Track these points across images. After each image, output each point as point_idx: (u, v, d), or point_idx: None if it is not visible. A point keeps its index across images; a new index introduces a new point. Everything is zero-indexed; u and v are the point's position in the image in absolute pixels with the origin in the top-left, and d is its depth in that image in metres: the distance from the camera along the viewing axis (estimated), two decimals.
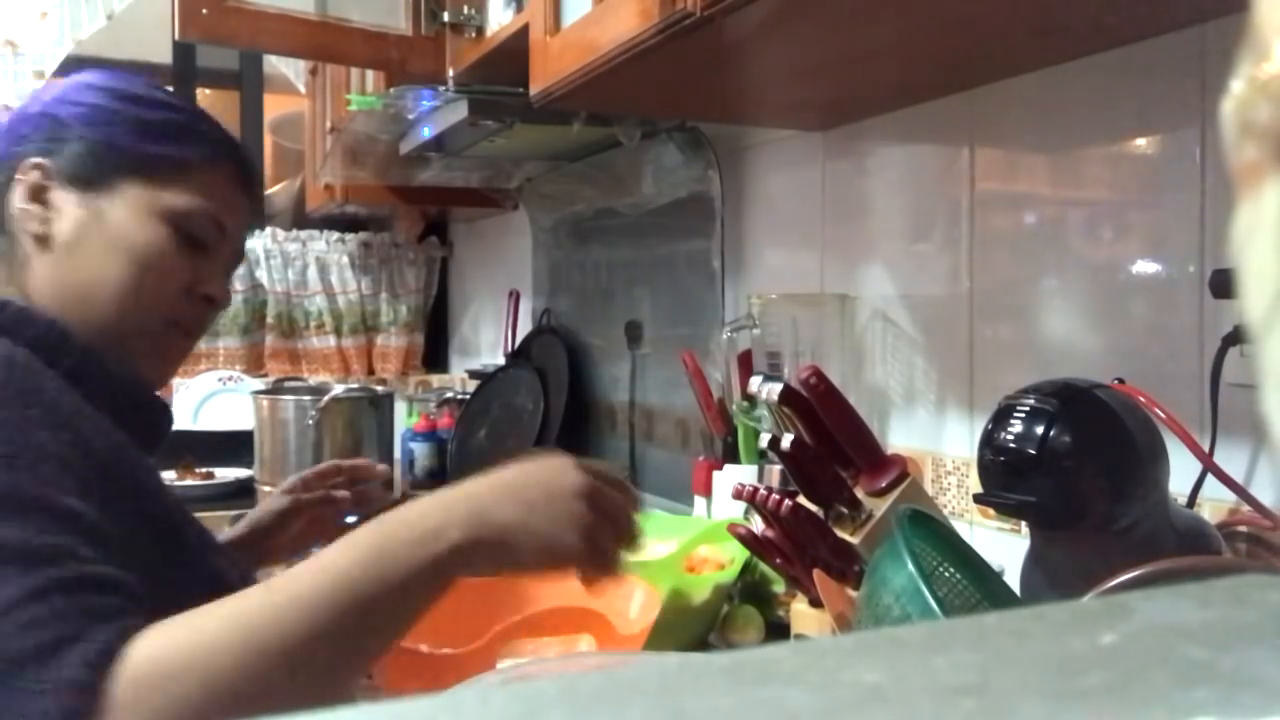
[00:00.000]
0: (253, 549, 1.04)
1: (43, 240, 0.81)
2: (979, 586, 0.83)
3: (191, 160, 0.84)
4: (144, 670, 0.57)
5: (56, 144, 0.82)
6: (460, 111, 1.54)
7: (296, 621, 0.60)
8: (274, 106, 3.16)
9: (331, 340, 2.87)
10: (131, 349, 0.82)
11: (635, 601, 0.99)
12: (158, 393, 0.87)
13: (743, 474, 1.39)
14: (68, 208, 0.81)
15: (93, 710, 0.55)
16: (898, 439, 1.30)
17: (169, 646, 0.58)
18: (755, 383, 1.03)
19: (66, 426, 0.69)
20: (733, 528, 1.03)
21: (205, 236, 0.85)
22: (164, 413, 0.88)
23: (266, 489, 2.04)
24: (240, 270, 2.76)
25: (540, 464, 0.72)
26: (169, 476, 2.15)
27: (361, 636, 0.63)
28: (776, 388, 0.96)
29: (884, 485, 0.93)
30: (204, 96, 3.19)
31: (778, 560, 0.99)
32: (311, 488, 1.10)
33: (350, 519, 1.10)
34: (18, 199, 0.81)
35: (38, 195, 0.81)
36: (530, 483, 0.69)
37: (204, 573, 0.77)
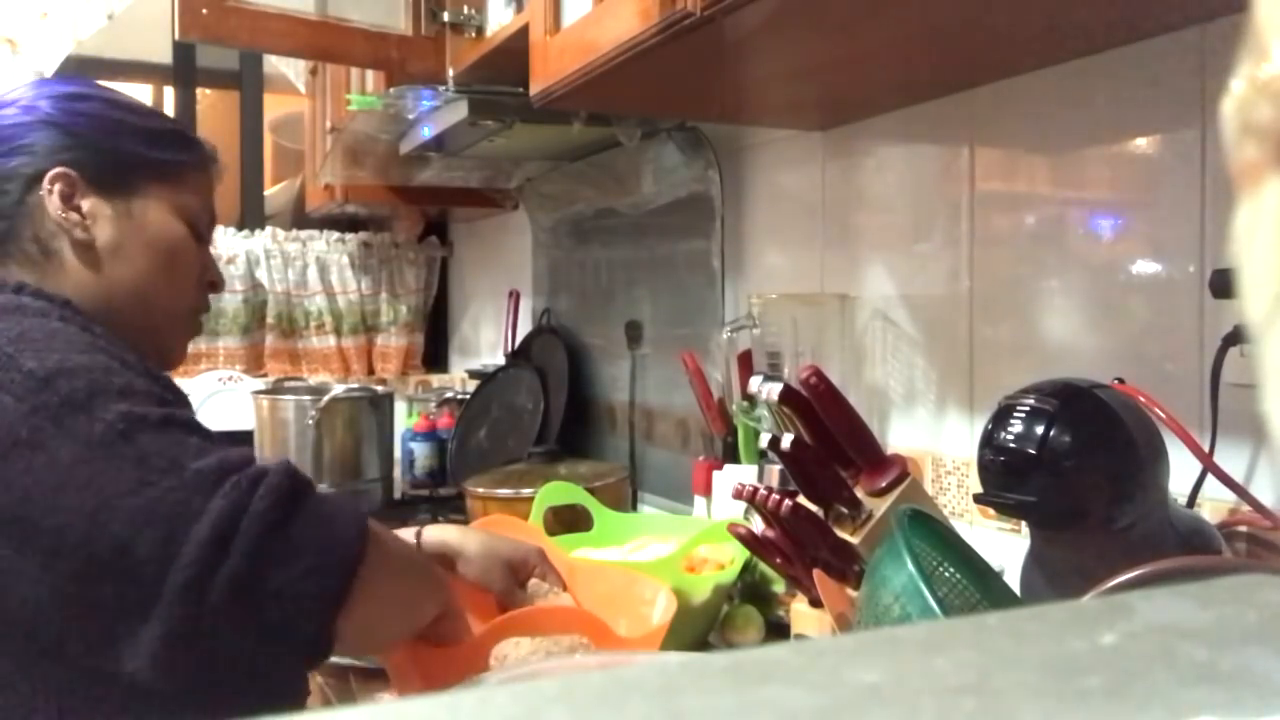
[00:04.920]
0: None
1: (86, 246, 0.87)
2: (979, 586, 0.83)
3: (191, 164, 0.95)
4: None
5: (76, 153, 0.88)
6: (460, 111, 1.54)
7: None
8: (274, 106, 3.16)
9: (331, 340, 2.87)
10: (168, 336, 0.94)
11: (658, 607, 0.99)
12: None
13: (743, 474, 1.39)
14: (103, 213, 0.88)
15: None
16: (898, 439, 1.30)
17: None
18: (755, 383, 1.03)
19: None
20: (733, 528, 1.03)
21: (204, 230, 0.96)
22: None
23: None
24: (240, 270, 2.77)
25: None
26: None
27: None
28: (776, 388, 0.96)
29: (884, 485, 0.93)
30: (204, 96, 3.19)
31: (778, 560, 0.99)
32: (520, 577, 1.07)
33: None
34: (55, 208, 0.86)
35: (70, 203, 0.87)
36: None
37: None
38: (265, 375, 2.76)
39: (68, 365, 0.72)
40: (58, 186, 0.87)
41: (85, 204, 0.87)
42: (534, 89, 1.27)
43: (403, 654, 0.87)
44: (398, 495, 2.19)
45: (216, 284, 0.99)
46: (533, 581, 1.02)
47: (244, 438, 2.22)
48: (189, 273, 0.94)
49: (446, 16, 1.63)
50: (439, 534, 1.00)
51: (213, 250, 1.00)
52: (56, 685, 0.72)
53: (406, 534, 0.98)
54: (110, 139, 0.89)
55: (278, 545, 0.68)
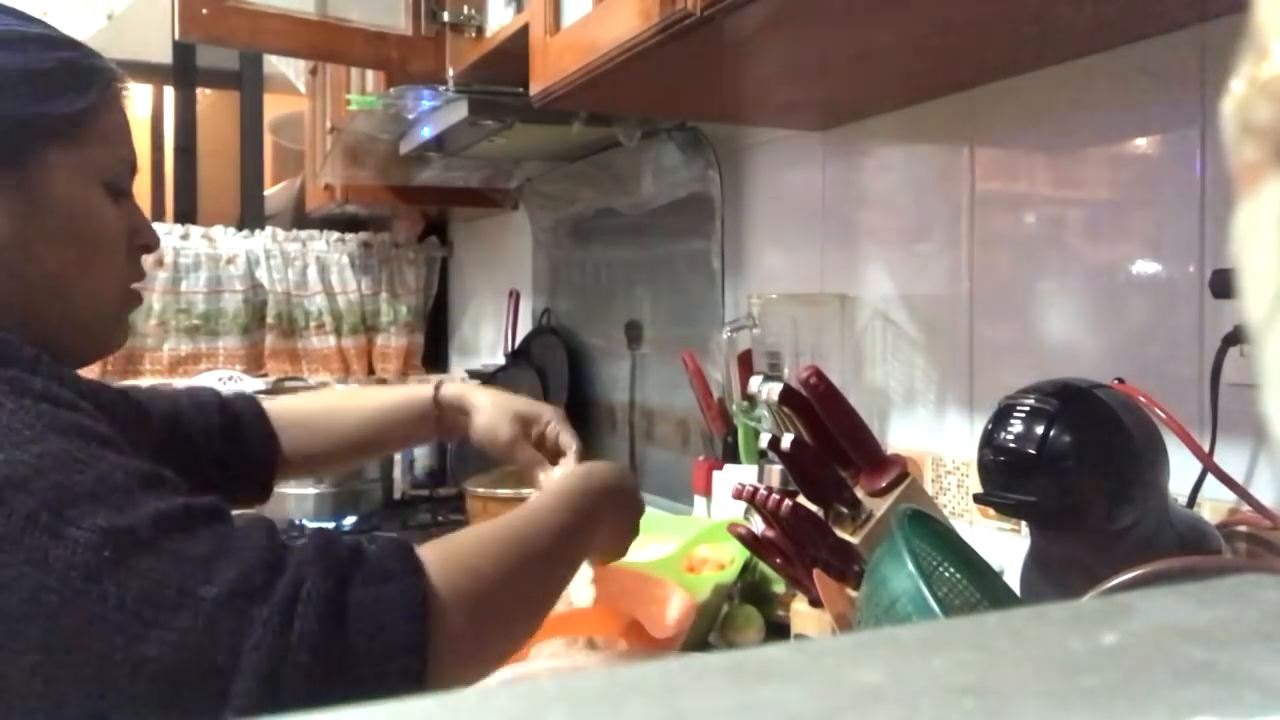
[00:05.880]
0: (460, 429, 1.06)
1: None
2: (979, 586, 0.83)
3: (96, 105, 0.73)
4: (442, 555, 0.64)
5: None
6: (460, 111, 1.54)
7: (533, 542, 0.70)
8: (274, 106, 3.16)
9: (331, 340, 2.87)
10: (99, 326, 0.75)
11: (672, 606, 0.99)
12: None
13: (743, 474, 1.39)
14: None
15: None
16: (898, 439, 1.30)
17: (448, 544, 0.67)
18: (755, 383, 1.03)
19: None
20: (733, 528, 1.03)
21: (125, 182, 0.76)
22: (134, 407, 0.86)
23: None
24: (240, 270, 2.77)
25: (618, 471, 0.87)
26: None
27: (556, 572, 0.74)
28: (776, 388, 0.96)
29: (884, 485, 0.93)
30: (204, 96, 3.19)
31: (778, 560, 0.99)
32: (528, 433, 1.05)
33: None
34: None
35: None
36: (623, 487, 0.84)
37: None
38: (265, 375, 2.75)
39: (16, 473, 0.55)
40: None
41: None
42: (534, 89, 1.27)
43: None
44: (398, 495, 2.18)
45: (150, 245, 0.79)
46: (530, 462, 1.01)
47: None
48: (115, 245, 0.75)
49: (446, 16, 1.64)
50: (456, 389, 1.04)
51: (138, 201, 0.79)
52: None
53: (426, 389, 1.02)
54: None
55: (340, 660, 0.55)
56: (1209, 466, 0.89)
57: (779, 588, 1.20)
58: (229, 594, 0.54)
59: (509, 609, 0.67)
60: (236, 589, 0.54)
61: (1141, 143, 1.01)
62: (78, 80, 0.72)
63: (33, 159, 0.69)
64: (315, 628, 0.54)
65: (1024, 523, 0.97)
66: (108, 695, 0.53)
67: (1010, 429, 0.76)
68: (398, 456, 2.30)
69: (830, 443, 0.94)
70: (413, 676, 0.57)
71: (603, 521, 0.80)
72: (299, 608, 0.55)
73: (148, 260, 0.83)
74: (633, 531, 0.87)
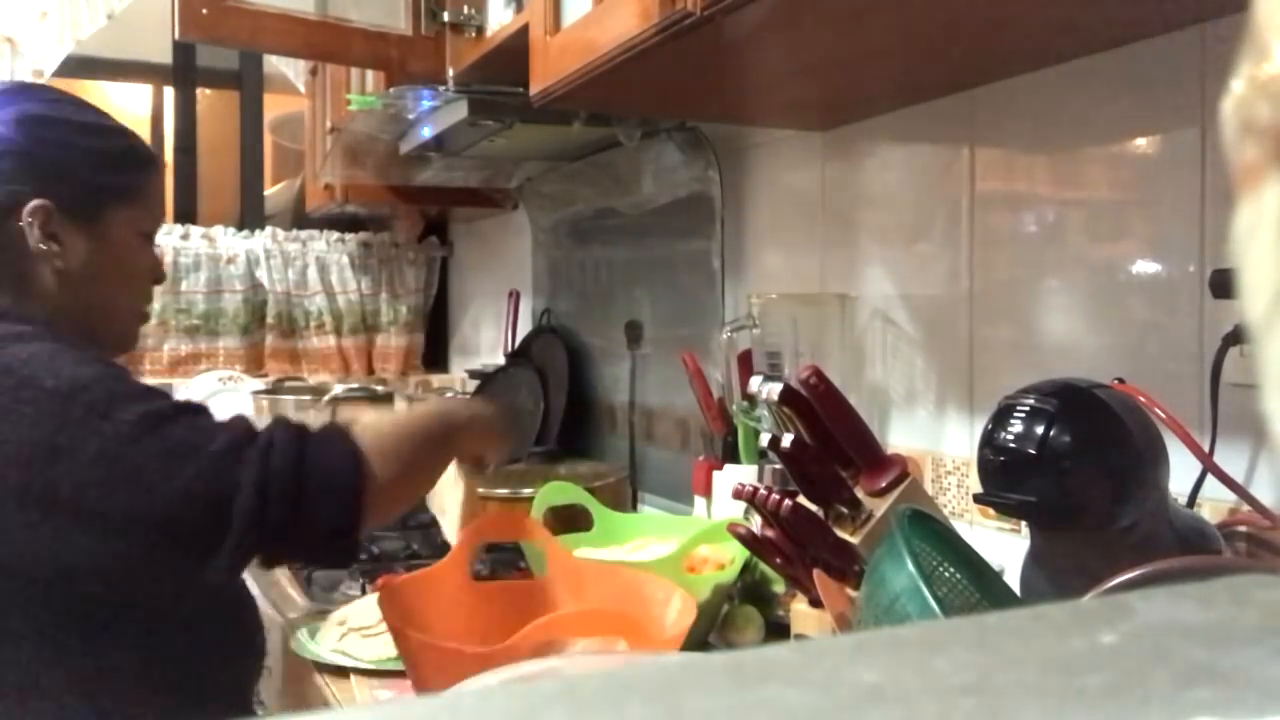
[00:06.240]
0: None
1: (63, 274, 0.98)
2: (979, 586, 0.83)
3: (146, 181, 1.05)
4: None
5: (49, 184, 0.96)
6: (460, 111, 1.54)
7: (418, 438, 1.00)
8: (274, 106, 3.16)
9: (331, 340, 2.87)
10: (126, 335, 1.07)
11: (672, 606, 0.99)
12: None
13: (743, 474, 1.39)
14: (77, 242, 0.98)
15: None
16: (898, 439, 1.30)
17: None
18: (755, 383, 1.03)
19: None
20: (733, 528, 1.03)
21: (154, 232, 1.08)
22: None
23: None
24: (240, 270, 2.77)
25: (470, 409, 1.14)
26: None
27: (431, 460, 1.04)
28: (776, 388, 0.96)
29: (884, 485, 0.93)
30: (204, 96, 3.19)
31: (778, 560, 0.99)
32: None
33: None
34: (35, 240, 0.96)
35: (48, 234, 0.97)
36: (474, 420, 1.09)
37: None
38: (265, 375, 2.75)
39: (81, 380, 0.86)
40: (38, 219, 0.96)
41: (62, 234, 0.97)
42: (534, 89, 1.27)
43: (431, 659, 0.88)
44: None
45: (160, 278, 1.11)
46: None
47: None
48: (144, 277, 1.07)
49: (446, 16, 1.63)
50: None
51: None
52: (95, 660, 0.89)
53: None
54: (82, 170, 0.99)
55: (302, 485, 0.87)
56: (1209, 466, 0.89)
57: (779, 588, 1.20)
58: (226, 448, 0.86)
59: (406, 474, 0.97)
60: (231, 443, 0.86)
61: (1141, 143, 1.01)
62: (135, 160, 1.04)
63: (101, 214, 1.00)
64: (285, 464, 0.86)
65: (1024, 523, 0.97)
66: (152, 518, 0.84)
67: (1010, 429, 0.76)
68: None
69: (830, 443, 0.94)
70: (348, 508, 0.88)
71: (458, 439, 1.05)
72: (273, 451, 0.87)
73: None
74: (492, 450, 1.12)
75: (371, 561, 1.54)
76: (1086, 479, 0.74)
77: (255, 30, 1.62)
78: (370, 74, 2.03)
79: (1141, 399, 0.85)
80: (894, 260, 1.32)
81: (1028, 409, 0.76)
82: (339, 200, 2.50)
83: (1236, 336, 0.87)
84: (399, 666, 1.07)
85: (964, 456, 1.19)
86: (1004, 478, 0.76)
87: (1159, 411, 0.86)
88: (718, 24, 0.93)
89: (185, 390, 2.56)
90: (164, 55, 2.95)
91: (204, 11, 1.54)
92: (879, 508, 0.92)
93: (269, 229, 2.84)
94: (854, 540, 0.91)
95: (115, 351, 1.05)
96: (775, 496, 0.93)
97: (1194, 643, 0.20)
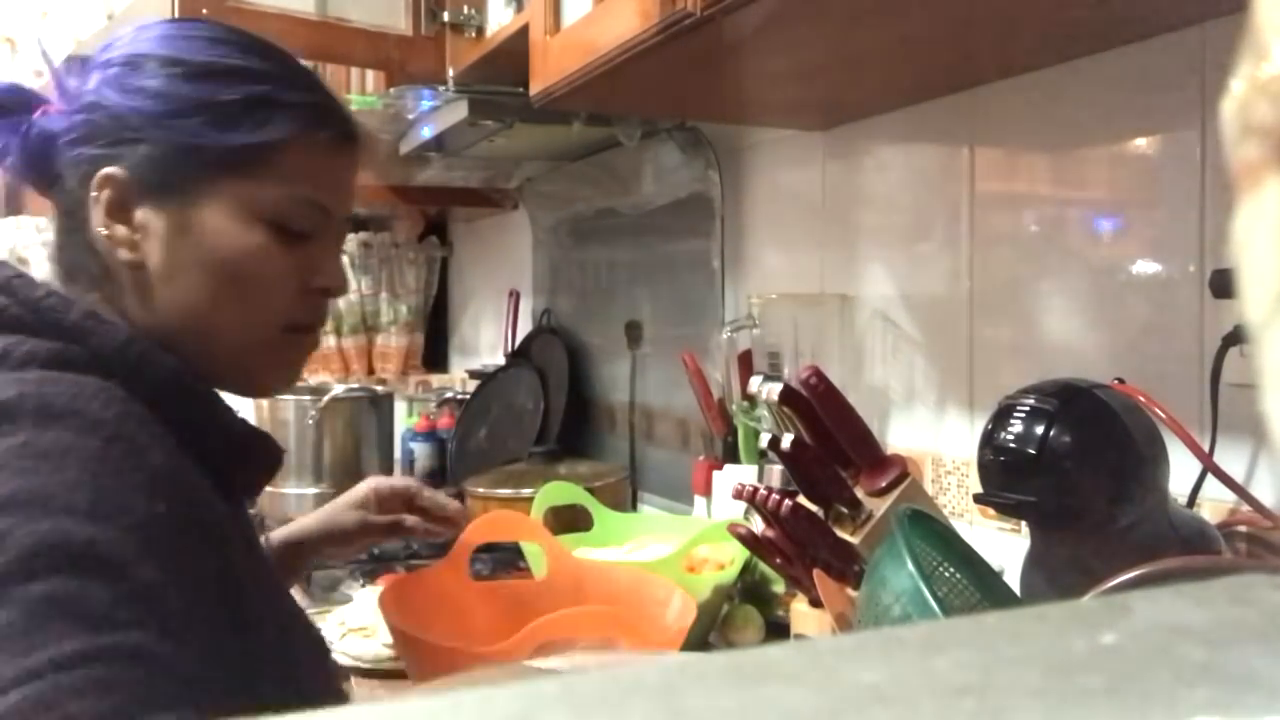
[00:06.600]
0: (313, 550, 1.03)
1: (137, 266, 0.71)
2: (979, 586, 0.83)
3: (280, 142, 0.71)
4: None
5: (125, 147, 0.70)
6: (460, 111, 1.54)
7: None
8: None
9: (331, 340, 2.87)
10: (253, 364, 0.75)
11: (672, 606, 1.00)
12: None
13: (743, 474, 1.39)
14: (154, 224, 0.70)
15: None
16: (898, 439, 1.30)
17: None
18: (755, 383, 1.03)
19: (166, 496, 0.61)
20: (733, 528, 1.03)
21: (308, 225, 0.74)
22: (275, 454, 0.79)
23: (267, 489, 2.04)
24: None
25: None
26: None
27: None
28: (776, 388, 0.96)
29: (884, 485, 0.93)
30: None
31: (778, 560, 0.99)
32: (385, 505, 1.05)
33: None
34: (98, 221, 0.70)
35: (118, 214, 0.70)
36: None
37: (278, 649, 0.71)
38: None
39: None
40: (105, 193, 0.70)
41: (138, 213, 0.70)
42: (534, 89, 1.27)
43: (430, 659, 0.88)
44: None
45: (331, 289, 0.77)
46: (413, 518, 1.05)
47: None
48: (275, 286, 0.73)
49: (446, 16, 1.64)
50: (283, 532, 1.02)
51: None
52: None
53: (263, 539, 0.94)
54: (171, 127, 0.69)
55: None
56: (1209, 466, 0.89)
57: (779, 588, 1.20)
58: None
59: None
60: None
61: (1141, 143, 1.01)
62: (259, 115, 0.70)
63: (194, 187, 0.70)
64: None
65: (1024, 523, 0.97)
66: None
67: (1010, 429, 0.76)
68: (397, 455, 2.31)
69: (830, 443, 0.94)
70: None
71: None
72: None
73: None
74: None
75: (371, 561, 1.54)
76: (1086, 479, 0.74)
77: (255, 30, 1.62)
78: (370, 74, 2.02)
79: (1141, 399, 0.85)
80: (894, 260, 1.32)
81: (1028, 409, 0.76)
82: None
83: (1236, 336, 0.87)
84: (399, 666, 1.07)
85: (964, 456, 1.19)
86: (1004, 478, 0.76)
87: (1159, 412, 0.86)
88: (718, 24, 0.93)
89: None
90: None
91: (204, 12, 1.54)
92: (879, 508, 0.92)
93: None
94: (854, 540, 0.92)
95: (243, 385, 0.77)
96: (775, 496, 0.93)
97: (1194, 643, 0.20)
